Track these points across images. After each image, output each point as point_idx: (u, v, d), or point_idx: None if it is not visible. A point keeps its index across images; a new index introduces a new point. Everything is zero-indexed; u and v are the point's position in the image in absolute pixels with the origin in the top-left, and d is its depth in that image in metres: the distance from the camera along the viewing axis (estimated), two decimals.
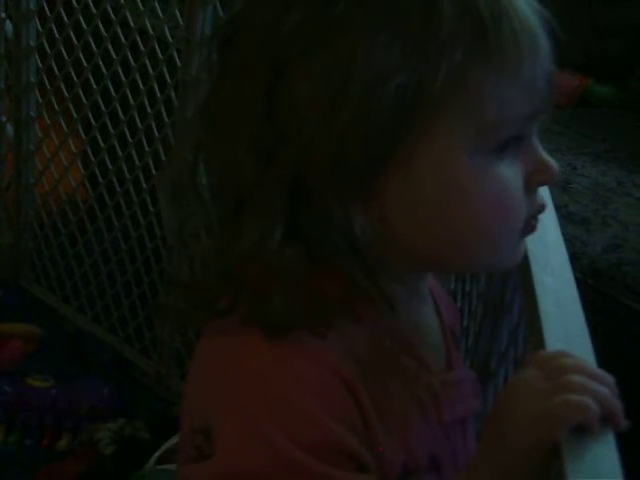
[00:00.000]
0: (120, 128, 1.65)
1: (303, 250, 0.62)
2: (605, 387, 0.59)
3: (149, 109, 1.59)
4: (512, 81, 0.61)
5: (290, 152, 0.61)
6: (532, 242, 0.75)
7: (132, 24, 1.58)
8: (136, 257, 1.72)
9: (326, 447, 0.59)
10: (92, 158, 1.74)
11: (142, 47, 1.57)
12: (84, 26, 1.65)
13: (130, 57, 1.60)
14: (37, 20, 1.72)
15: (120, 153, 1.67)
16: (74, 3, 1.67)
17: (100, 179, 1.73)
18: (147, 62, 1.57)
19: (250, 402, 0.60)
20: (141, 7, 1.57)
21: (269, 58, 0.61)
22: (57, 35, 1.71)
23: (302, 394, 0.60)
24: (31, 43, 1.74)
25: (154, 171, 1.62)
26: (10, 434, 1.58)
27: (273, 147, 0.61)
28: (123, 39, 1.60)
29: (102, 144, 1.70)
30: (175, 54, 1.51)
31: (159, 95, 1.56)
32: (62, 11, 1.69)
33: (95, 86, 1.67)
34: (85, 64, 1.67)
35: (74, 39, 1.68)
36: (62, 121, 1.78)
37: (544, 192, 0.69)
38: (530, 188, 0.65)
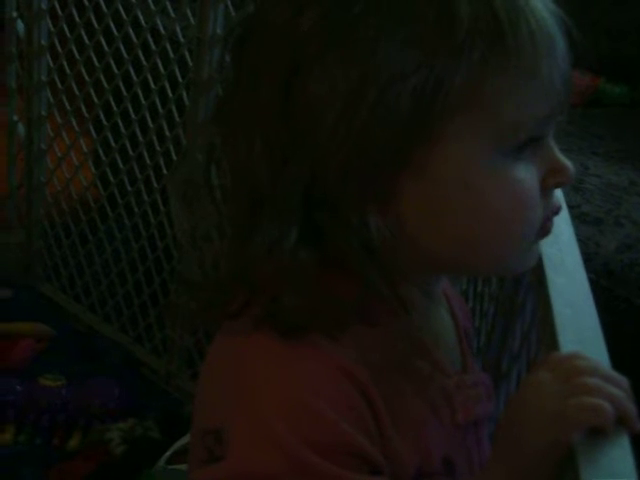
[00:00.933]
0: (131, 128, 1.66)
1: (317, 252, 0.62)
2: (619, 389, 0.59)
3: (160, 109, 1.59)
4: (529, 82, 0.61)
5: (306, 153, 0.60)
6: (545, 243, 0.75)
7: (144, 24, 1.58)
8: (147, 256, 1.72)
9: (338, 449, 0.59)
10: (103, 157, 1.74)
11: (153, 47, 1.58)
12: (95, 25, 1.65)
13: (142, 56, 1.60)
14: (49, 19, 1.73)
15: (131, 153, 1.67)
16: (85, 2, 1.67)
17: (111, 178, 1.73)
18: (158, 62, 1.57)
19: (261, 404, 0.60)
20: (152, 7, 1.57)
21: (285, 58, 0.61)
22: (69, 34, 1.72)
23: (314, 396, 0.60)
24: (43, 42, 1.74)
25: (165, 171, 1.62)
26: (21, 433, 1.58)
27: (289, 148, 0.61)
28: (134, 38, 1.60)
29: (113, 144, 1.70)
30: (187, 53, 1.51)
31: (170, 95, 1.56)
32: (74, 10, 1.70)
33: (106, 85, 1.67)
34: (96, 63, 1.67)
35: (85, 39, 1.68)
36: (73, 120, 1.78)
37: (557, 193, 0.68)
38: (546, 189, 0.65)
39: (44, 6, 1.71)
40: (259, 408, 0.60)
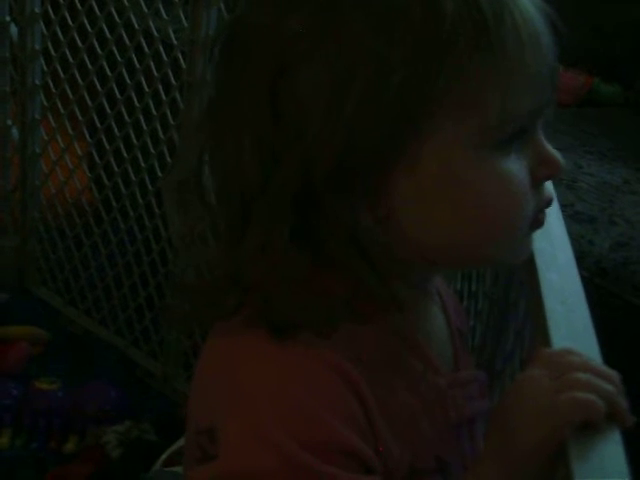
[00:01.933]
0: (125, 130, 1.66)
1: (309, 251, 0.62)
2: (611, 385, 0.59)
3: (154, 111, 1.59)
4: (515, 76, 0.61)
5: (295, 152, 0.61)
6: (537, 239, 0.75)
7: (136, 26, 1.58)
8: (142, 259, 1.72)
9: (331, 448, 0.59)
10: (98, 160, 1.74)
11: (147, 49, 1.58)
12: (89, 29, 1.65)
13: (135, 59, 1.60)
14: (42, 23, 1.73)
15: (126, 155, 1.67)
16: (78, 6, 1.67)
17: (106, 181, 1.73)
18: (152, 64, 1.57)
19: (254, 403, 0.60)
20: (145, 9, 1.57)
21: (272, 59, 0.61)
22: (62, 38, 1.72)
23: (307, 395, 0.60)
24: (36, 46, 1.74)
25: (160, 173, 1.62)
26: (17, 437, 1.58)
27: (278, 148, 0.61)
28: (128, 41, 1.60)
29: (107, 146, 1.70)
30: (180, 56, 1.51)
31: (164, 97, 1.56)
32: (67, 14, 1.70)
33: (100, 88, 1.67)
34: (90, 67, 1.67)
35: (79, 42, 1.68)
36: (67, 124, 1.78)
37: (548, 186, 0.69)
38: (536, 182, 0.65)
39: (37, 10, 1.71)
40: (251, 407, 0.60)
